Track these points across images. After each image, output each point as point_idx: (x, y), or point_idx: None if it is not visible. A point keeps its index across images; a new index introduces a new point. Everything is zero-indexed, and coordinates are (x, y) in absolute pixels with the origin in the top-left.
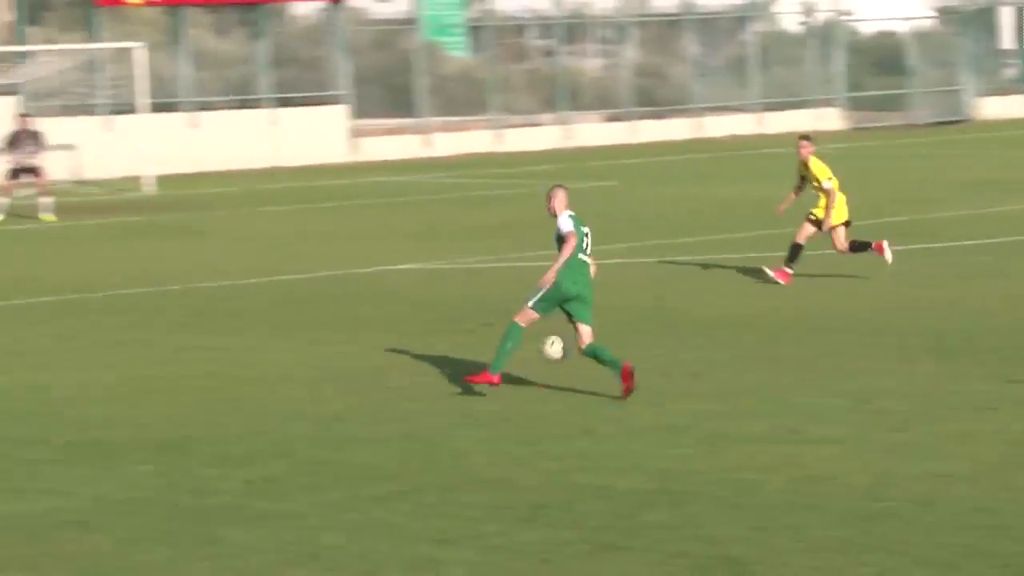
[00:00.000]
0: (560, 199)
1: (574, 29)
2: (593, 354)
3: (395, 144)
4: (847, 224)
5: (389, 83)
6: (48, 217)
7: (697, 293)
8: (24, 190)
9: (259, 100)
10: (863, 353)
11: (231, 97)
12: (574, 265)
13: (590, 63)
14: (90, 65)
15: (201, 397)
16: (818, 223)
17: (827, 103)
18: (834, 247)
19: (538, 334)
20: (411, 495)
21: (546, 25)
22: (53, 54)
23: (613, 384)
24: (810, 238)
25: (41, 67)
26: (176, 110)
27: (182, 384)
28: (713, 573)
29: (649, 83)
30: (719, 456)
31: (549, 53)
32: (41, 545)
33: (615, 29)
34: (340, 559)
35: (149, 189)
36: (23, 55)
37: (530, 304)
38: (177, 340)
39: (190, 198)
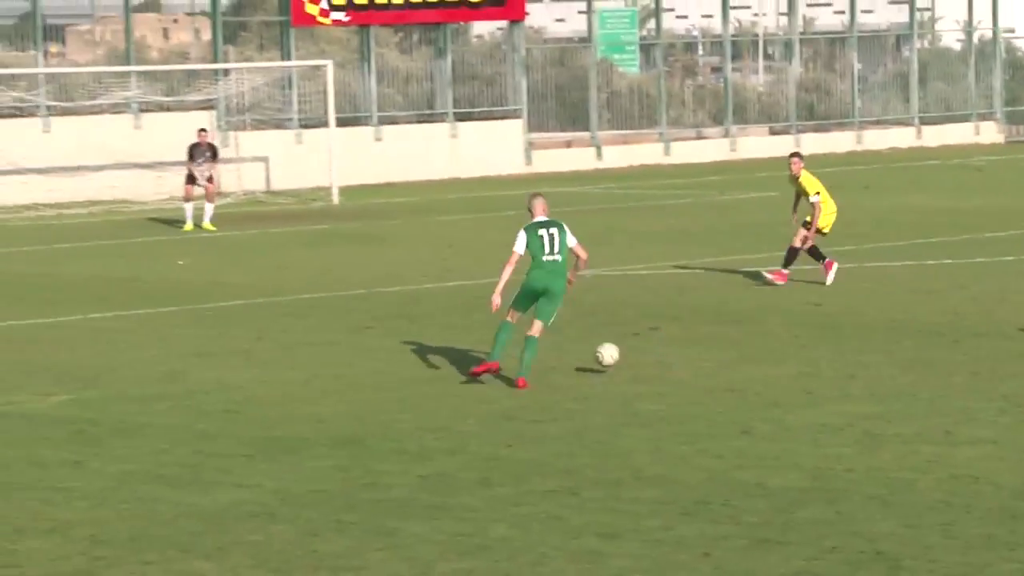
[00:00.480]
0: (537, 206)
1: (741, 46)
2: (526, 345)
3: (568, 156)
4: (821, 232)
5: (563, 98)
6: (209, 226)
7: (853, 298)
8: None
9: (440, 115)
10: (1015, 358)
11: (413, 112)
12: (543, 265)
13: (756, 79)
14: (283, 82)
15: (378, 395)
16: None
17: (985, 117)
18: (793, 241)
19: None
20: (577, 490)
21: (714, 43)
22: (249, 72)
23: (767, 387)
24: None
25: (237, 84)
26: (361, 124)
27: (360, 383)
28: (865, 568)
29: (812, 98)
30: (872, 455)
31: (717, 69)
32: (227, 535)
33: (781, 46)
34: (509, 551)
35: (335, 199)
36: (221, 72)
37: (512, 305)
38: (357, 341)
39: (373, 208)
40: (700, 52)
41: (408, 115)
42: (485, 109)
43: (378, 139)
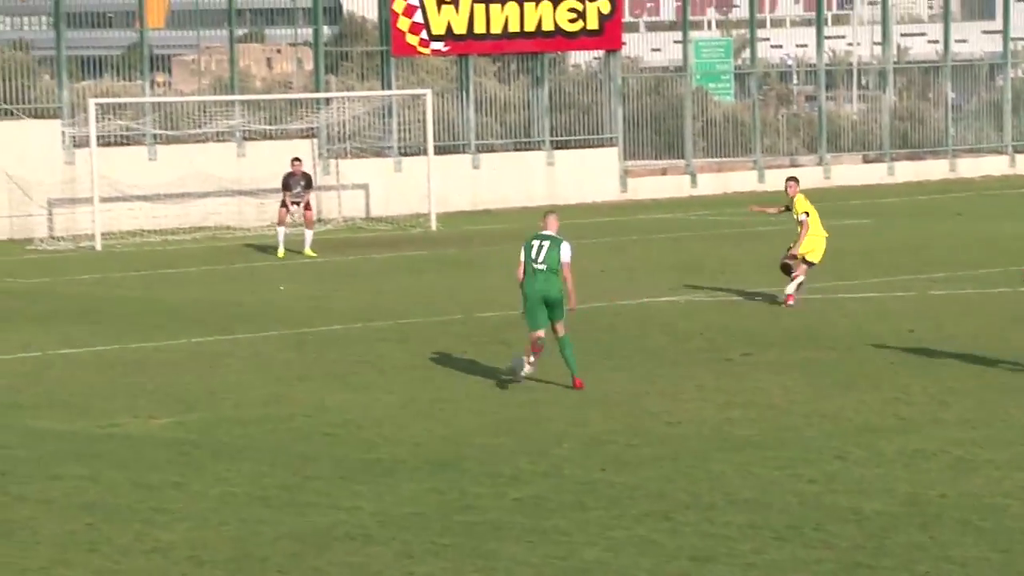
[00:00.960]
0: (547, 222)
1: (835, 75)
2: (562, 347)
3: (663, 183)
4: (807, 261)
5: (659, 126)
6: (309, 252)
7: (946, 325)
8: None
9: (537, 142)
10: None
11: (511, 140)
12: (530, 275)
13: (850, 107)
14: (383, 110)
15: (474, 419)
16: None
17: None
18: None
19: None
20: (670, 514)
21: (809, 72)
22: (350, 100)
23: (860, 412)
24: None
25: (338, 112)
26: (460, 152)
27: (457, 407)
28: None
29: (906, 126)
30: (965, 481)
31: (811, 98)
32: (325, 556)
33: (875, 75)
34: (602, 574)
35: (434, 226)
36: (323, 101)
37: (531, 328)
38: (454, 366)
39: (471, 234)
40: (795, 81)
41: (505, 143)
42: (581, 137)
43: (476, 167)
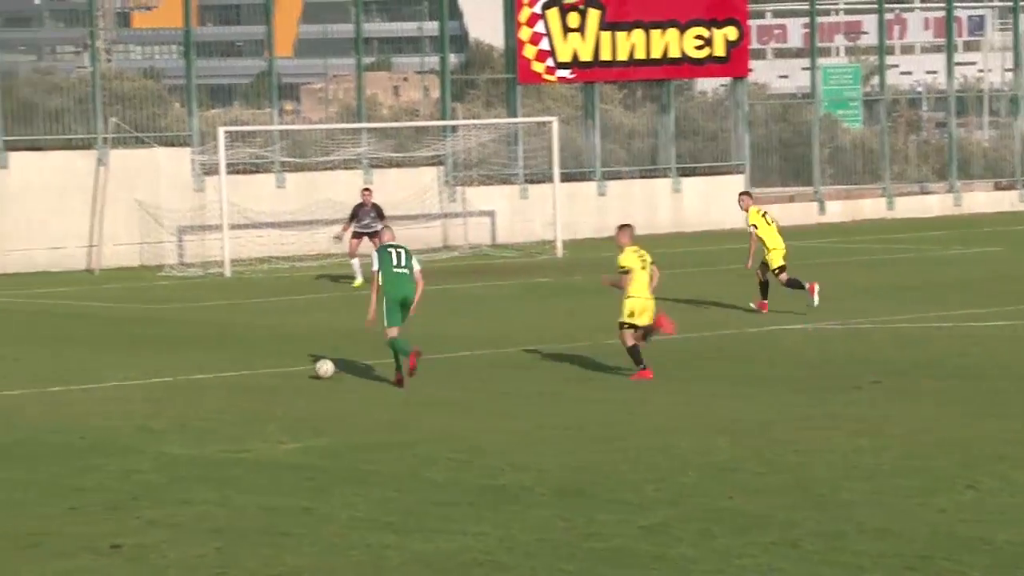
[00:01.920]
0: (385, 236)
1: (966, 102)
2: (393, 346)
3: (791, 210)
4: (778, 269)
5: (786, 153)
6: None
7: None
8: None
9: (663, 170)
10: None
11: (636, 167)
12: (393, 278)
13: (981, 134)
14: (508, 138)
15: (599, 446)
16: (764, 264)
17: None
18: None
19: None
20: (798, 543)
21: (939, 98)
22: (476, 128)
23: (992, 441)
24: (766, 274)
25: (465, 140)
26: (585, 179)
27: (583, 433)
28: None
29: None
30: None
31: (941, 124)
32: None
33: (1006, 102)
34: None
35: (560, 252)
36: (449, 129)
37: (389, 324)
38: (580, 392)
39: (597, 260)
40: (924, 108)
41: (631, 170)
42: (708, 164)
43: (601, 193)
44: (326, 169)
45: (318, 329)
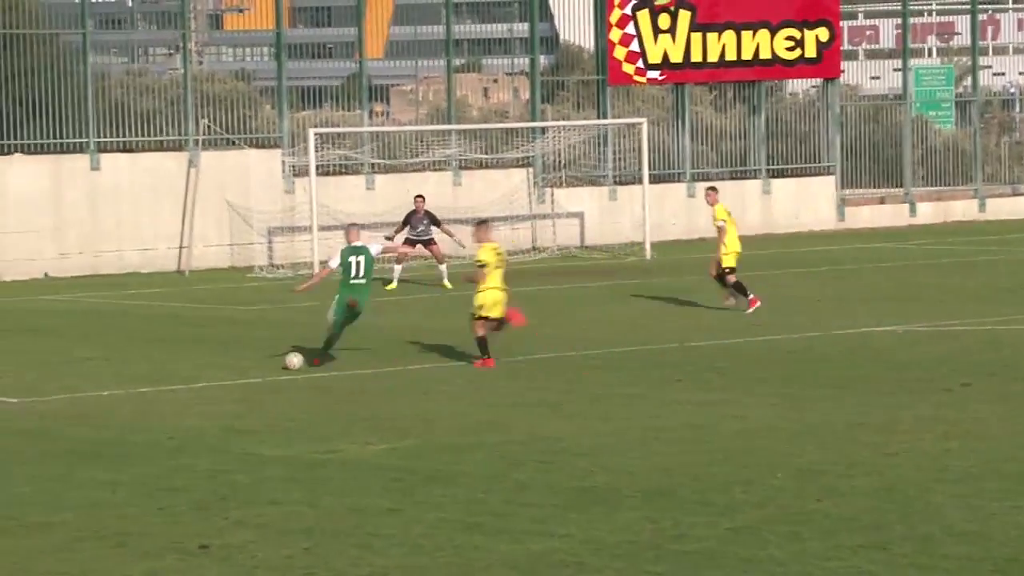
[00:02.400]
0: (350, 234)
1: None
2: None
3: (881, 212)
4: (729, 269)
5: (877, 155)
6: (447, 284)
7: None
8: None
9: (753, 171)
10: None
11: (726, 168)
12: (352, 286)
13: None
14: (598, 139)
15: (687, 448)
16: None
17: None
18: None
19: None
20: (887, 545)
21: None
22: (566, 129)
23: None
24: (732, 272)
25: (554, 141)
26: (675, 180)
27: (670, 435)
28: None
29: None
30: None
31: None
32: None
33: None
34: None
35: (648, 254)
36: (539, 130)
37: (333, 316)
38: (667, 394)
39: (686, 263)
40: (1017, 109)
41: (721, 171)
42: (798, 166)
43: (691, 195)
44: (415, 171)
45: (405, 330)
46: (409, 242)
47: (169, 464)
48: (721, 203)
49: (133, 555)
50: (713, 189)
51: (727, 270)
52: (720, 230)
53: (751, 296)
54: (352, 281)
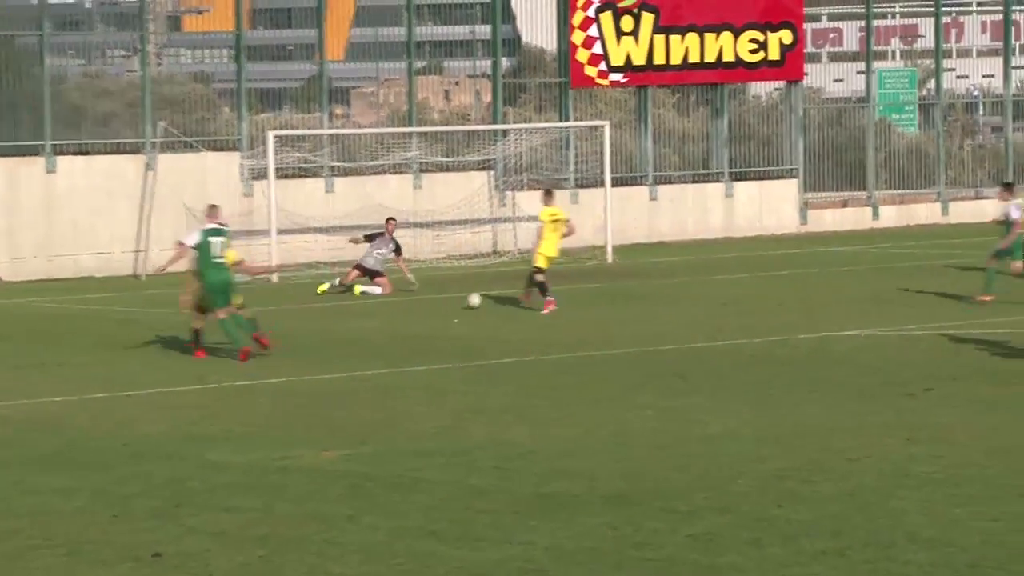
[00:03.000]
0: (210, 215)
1: (1022, 106)
2: (223, 327)
3: (844, 216)
4: (537, 270)
5: (840, 158)
6: (357, 291)
7: None
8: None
9: (715, 174)
10: None
11: (689, 171)
12: (212, 268)
13: None
14: (560, 142)
15: (649, 454)
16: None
17: None
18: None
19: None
20: (849, 552)
21: (996, 103)
22: (527, 132)
23: None
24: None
25: (516, 144)
26: (637, 184)
27: (632, 441)
28: None
29: None
30: None
31: (998, 129)
32: None
33: None
34: None
35: (610, 258)
36: (500, 133)
37: (200, 308)
38: (629, 399)
39: (647, 267)
40: (981, 112)
41: (683, 174)
42: (761, 169)
43: (653, 198)
44: (375, 173)
45: (365, 335)
46: (360, 267)
47: (124, 471)
48: (555, 207)
49: (86, 563)
50: (549, 193)
51: (536, 269)
52: (541, 229)
53: (550, 298)
54: (214, 260)
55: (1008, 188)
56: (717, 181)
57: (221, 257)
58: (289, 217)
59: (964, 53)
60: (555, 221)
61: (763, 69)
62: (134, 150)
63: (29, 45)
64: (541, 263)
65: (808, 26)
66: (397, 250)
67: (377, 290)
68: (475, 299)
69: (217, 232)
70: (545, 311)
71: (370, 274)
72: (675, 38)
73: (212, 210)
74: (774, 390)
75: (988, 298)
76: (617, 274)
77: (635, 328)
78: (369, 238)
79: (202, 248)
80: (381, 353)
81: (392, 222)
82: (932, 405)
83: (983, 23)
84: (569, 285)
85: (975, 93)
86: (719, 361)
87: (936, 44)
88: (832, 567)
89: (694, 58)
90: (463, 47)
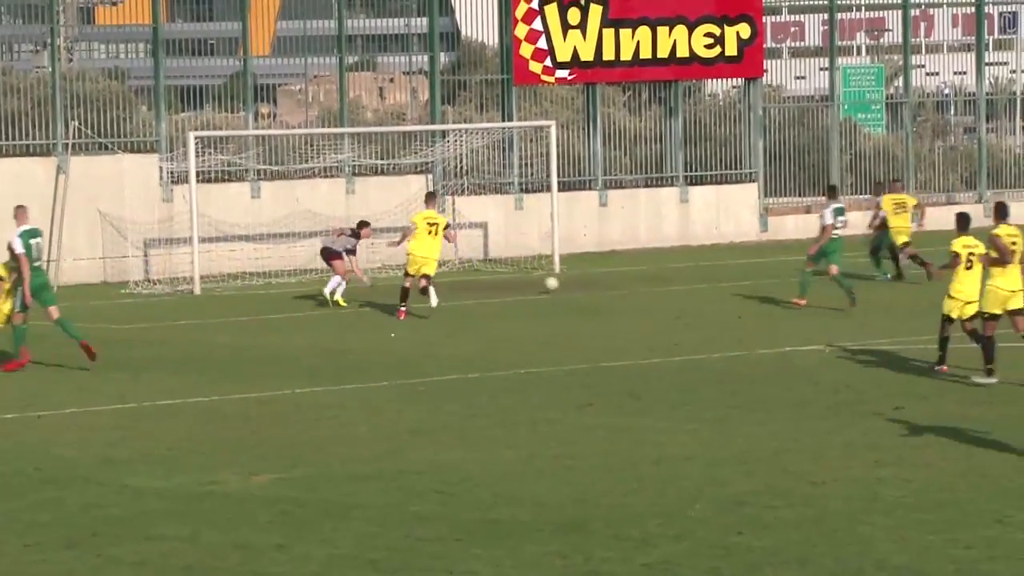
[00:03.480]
0: (20, 217)
1: (997, 105)
2: (62, 326)
3: (807, 222)
4: (416, 275)
5: (802, 161)
6: (341, 302)
7: None
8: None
9: (670, 178)
10: None
11: (641, 175)
12: (34, 269)
13: (1013, 140)
14: (503, 144)
15: (600, 477)
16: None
17: None
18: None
19: None
20: None
21: (968, 101)
22: (468, 133)
23: (1022, 472)
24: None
25: (455, 146)
26: (586, 188)
27: (582, 463)
28: None
29: None
30: None
31: (970, 129)
32: None
33: None
34: None
35: (557, 267)
36: (439, 134)
37: (17, 309)
38: (579, 419)
39: (597, 277)
40: (952, 111)
41: (635, 178)
42: (718, 172)
43: (603, 204)
44: (305, 177)
45: (294, 351)
46: (326, 249)
47: (36, 497)
48: (431, 211)
49: None
50: (429, 194)
51: (414, 275)
52: (406, 230)
53: (403, 308)
54: (35, 264)
55: (831, 192)
56: (671, 185)
57: (40, 260)
58: (212, 224)
59: (934, 48)
60: (432, 225)
61: (720, 65)
62: (44, 152)
63: None
64: (422, 271)
65: (768, 19)
66: (352, 252)
67: (337, 279)
68: (553, 282)
69: (35, 233)
70: (401, 319)
71: (329, 254)
72: (625, 32)
73: (21, 211)
74: (733, 409)
75: (802, 302)
76: (565, 285)
77: (585, 343)
78: (336, 232)
79: (28, 252)
80: (314, 370)
81: (367, 228)
82: (902, 425)
83: (954, 16)
84: (513, 296)
85: (946, 91)
86: (674, 378)
87: (904, 39)
88: None
89: (646, 53)
90: (398, 41)
